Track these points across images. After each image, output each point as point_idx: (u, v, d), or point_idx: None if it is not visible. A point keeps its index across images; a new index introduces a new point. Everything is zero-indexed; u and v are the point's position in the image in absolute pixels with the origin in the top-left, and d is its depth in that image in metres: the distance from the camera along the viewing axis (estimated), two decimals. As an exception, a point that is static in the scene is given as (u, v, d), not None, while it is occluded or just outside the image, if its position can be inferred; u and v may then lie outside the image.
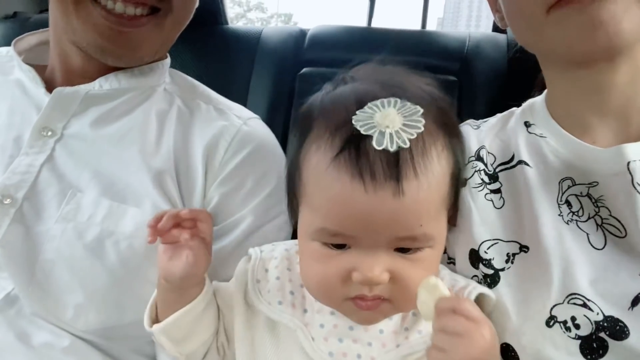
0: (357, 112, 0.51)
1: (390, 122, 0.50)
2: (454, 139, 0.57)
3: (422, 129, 0.50)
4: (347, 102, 0.53)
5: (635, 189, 0.56)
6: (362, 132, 0.50)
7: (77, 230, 0.66)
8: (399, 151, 0.49)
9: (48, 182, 0.69)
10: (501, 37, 1.15)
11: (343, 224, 0.52)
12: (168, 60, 0.85)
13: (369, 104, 0.51)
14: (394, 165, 0.50)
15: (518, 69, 1.05)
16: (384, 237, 0.52)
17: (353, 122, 0.50)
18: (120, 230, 0.67)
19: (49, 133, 0.72)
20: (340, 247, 0.54)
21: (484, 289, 0.60)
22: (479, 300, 0.60)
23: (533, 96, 0.87)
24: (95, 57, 0.72)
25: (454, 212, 0.63)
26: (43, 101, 0.73)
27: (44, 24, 0.82)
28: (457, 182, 0.60)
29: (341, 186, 0.51)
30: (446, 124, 0.56)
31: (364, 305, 0.54)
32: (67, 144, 0.72)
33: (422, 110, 0.51)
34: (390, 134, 0.49)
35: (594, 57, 0.57)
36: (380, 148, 0.49)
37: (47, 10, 0.80)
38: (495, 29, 1.22)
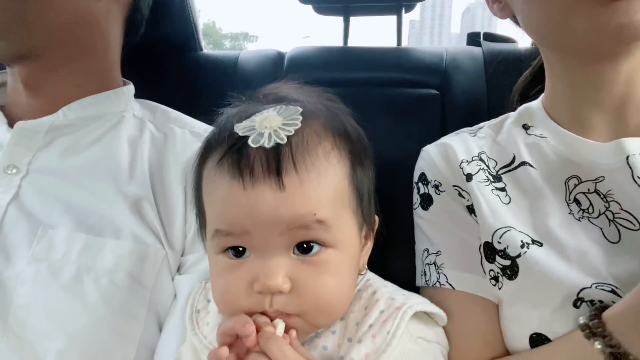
0: (242, 121, 0.53)
1: (269, 122, 0.52)
2: (348, 142, 0.57)
3: (299, 125, 0.52)
4: (234, 117, 0.55)
5: (636, 182, 0.55)
6: (240, 134, 0.52)
7: (51, 270, 0.62)
8: (279, 148, 0.51)
9: (16, 222, 0.64)
10: (477, 50, 1.15)
11: (230, 222, 0.52)
12: (131, 87, 0.83)
13: (255, 114, 0.54)
14: (273, 160, 0.51)
15: (497, 79, 1.05)
16: (273, 230, 0.51)
17: (235, 129, 0.53)
18: (100, 266, 0.63)
19: (14, 170, 0.68)
20: (240, 254, 0.53)
21: (424, 307, 0.58)
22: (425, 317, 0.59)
23: (512, 104, 0.88)
24: None
25: (370, 228, 0.62)
26: (6, 138, 0.69)
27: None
28: (357, 187, 0.58)
29: (223, 186, 0.52)
30: (338, 128, 0.57)
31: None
32: (34, 180, 0.68)
33: (301, 110, 0.53)
34: (269, 134, 0.51)
35: (612, 51, 0.57)
36: (256, 146, 0.51)
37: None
38: (470, 42, 1.23)
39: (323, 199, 0.52)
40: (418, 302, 0.58)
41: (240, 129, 0.52)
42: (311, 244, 0.52)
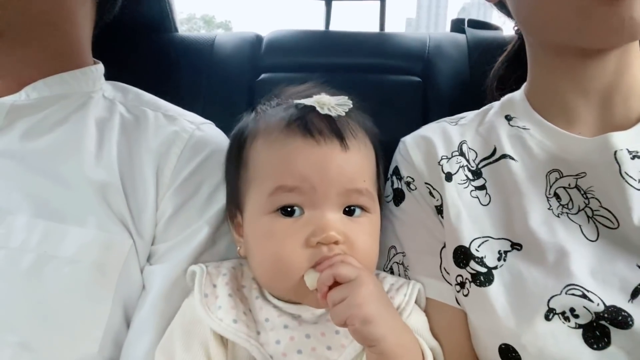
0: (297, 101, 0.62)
1: (326, 101, 0.60)
2: (374, 140, 0.66)
3: (351, 106, 0.61)
4: (286, 104, 0.63)
5: (624, 178, 0.54)
6: (306, 104, 0.60)
7: (9, 258, 0.58)
8: (337, 119, 0.60)
9: None
10: (461, 37, 1.14)
11: (299, 176, 0.58)
12: (101, 66, 0.78)
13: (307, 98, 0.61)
14: (336, 126, 0.60)
15: (480, 67, 1.04)
16: (335, 188, 0.58)
17: (295, 103, 0.61)
18: (61, 254, 0.59)
19: None
20: (289, 214, 0.58)
21: (422, 288, 0.64)
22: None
23: (493, 91, 0.87)
24: None
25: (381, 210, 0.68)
26: None
27: None
28: (379, 173, 0.67)
29: (294, 144, 0.59)
30: (370, 126, 0.66)
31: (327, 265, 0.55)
32: None
33: (347, 97, 0.62)
34: (329, 108, 0.59)
35: (607, 48, 0.56)
36: (323, 113, 0.59)
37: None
38: (454, 29, 1.21)
39: (369, 169, 0.63)
40: (417, 282, 0.65)
41: (303, 102, 0.61)
42: (354, 208, 0.60)
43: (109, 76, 0.81)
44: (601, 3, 0.51)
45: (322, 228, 0.56)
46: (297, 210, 0.58)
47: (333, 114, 0.59)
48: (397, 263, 0.69)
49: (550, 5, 0.55)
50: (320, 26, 1.23)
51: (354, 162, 0.60)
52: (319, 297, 0.54)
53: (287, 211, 0.58)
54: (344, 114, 0.60)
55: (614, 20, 0.51)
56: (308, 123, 0.59)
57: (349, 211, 0.60)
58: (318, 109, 0.59)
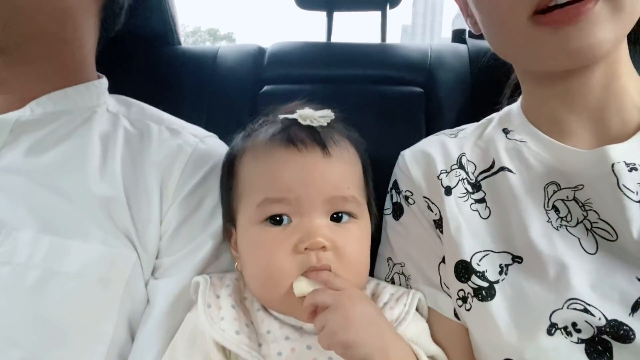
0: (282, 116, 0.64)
1: (308, 114, 0.63)
2: (359, 148, 0.68)
3: (333, 117, 0.64)
4: (272, 121, 0.66)
5: (622, 191, 0.54)
6: (289, 117, 0.63)
7: (14, 274, 0.58)
8: (320, 129, 0.62)
9: None
10: (462, 47, 1.14)
11: (284, 187, 0.60)
12: (105, 80, 0.79)
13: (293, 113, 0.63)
14: (318, 135, 0.62)
15: (482, 77, 1.04)
16: (320, 196, 0.59)
17: (279, 117, 0.64)
18: (66, 270, 0.59)
19: None
20: (277, 223, 0.60)
21: (423, 297, 0.64)
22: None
23: (500, 103, 0.87)
24: None
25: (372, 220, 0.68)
26: None
27: None
28: (367, 182, 0.69)
29: (278, 155, 0.61)
30: (355, 137, 0.68)
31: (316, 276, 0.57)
32: None
33: (330, 110, 0.64)
34: (310, 120, 0.62)
35: (567, 71, 0.57)
36: (305, 123, 0.62)
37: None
38: (455, 39, 1.21)
39: (354, 176, 0.64)
40: (417, 292, 0.65)
41: (286, 117, 0.63)
42: (341, 214, 0.62)
43: (113, 89, 0.82)
44: (551, 31, 0.52)
45: (310, 234, 0.58)
46: (285, 219, 0.60)
47: (315, 124, 0.62)
48: (398, 274, 0.69)
49: (507, 38, 0.57)
50: (321, 37, 1.24)
51: (337, 168, 0.62)
52: (303, 314, 0.56)
53: (275, 220, 0.60)
54: (325, 124, 0.62)
55: (564, 49, 0.52)
56: (290, 134, 0.62)
57: (336, 218, 0.61)
58: (300, 121, 0.62)
